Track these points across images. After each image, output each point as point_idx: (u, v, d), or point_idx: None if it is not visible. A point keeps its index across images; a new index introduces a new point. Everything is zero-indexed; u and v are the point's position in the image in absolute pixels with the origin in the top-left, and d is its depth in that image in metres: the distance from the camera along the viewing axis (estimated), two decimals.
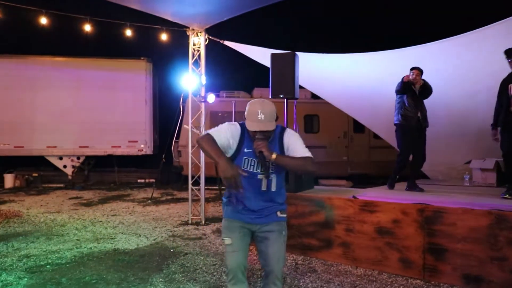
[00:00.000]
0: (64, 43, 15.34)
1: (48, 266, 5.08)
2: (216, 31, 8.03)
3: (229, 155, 2.84)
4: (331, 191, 6.22)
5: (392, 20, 19.38)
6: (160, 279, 4.62)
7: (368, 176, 13.21)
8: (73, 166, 13.81)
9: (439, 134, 7.64)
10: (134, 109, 13.67)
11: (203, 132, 2.79)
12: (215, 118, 12.48)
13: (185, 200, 9.89)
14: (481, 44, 6.46)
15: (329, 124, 13.48)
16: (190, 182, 7.91)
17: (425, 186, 6.44)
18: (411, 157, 6.39)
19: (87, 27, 8.28)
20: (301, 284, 4.52)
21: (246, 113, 2.85)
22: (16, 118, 13.01)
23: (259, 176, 2.89)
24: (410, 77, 6.01)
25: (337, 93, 8.52)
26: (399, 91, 6.12)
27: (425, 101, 6.21)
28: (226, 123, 2.94)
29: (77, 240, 6.42)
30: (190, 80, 7.81)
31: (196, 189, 7.97)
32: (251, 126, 2.78)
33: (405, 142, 6.24)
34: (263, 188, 2.90)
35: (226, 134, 2.84)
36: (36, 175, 13.99)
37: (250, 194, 2.89)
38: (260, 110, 2.76)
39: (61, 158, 13.68)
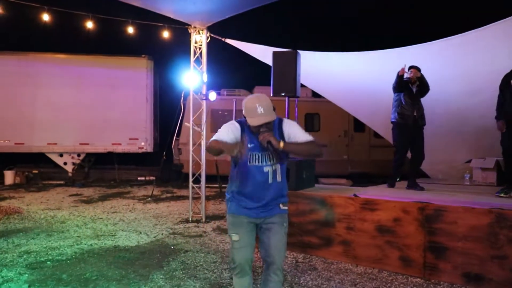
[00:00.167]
0: (65, 40, 15.35)
1: (48, 263, 5.09)
2: (218, 29, 8.03)
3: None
4: (332, 190, 6.24)
5: (392, 19, 19.39)
6: (161, 276, 4.63)
7: (369, 175, 13.22)
8: (74, 163, 13.82)
9: (439, 133, 7.66)
10: (135, 107, 13.67)
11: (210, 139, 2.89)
12: (216, 116, 12.50)
13: (185, 198, 9.90)
14: (481, 43, 6.47)
15: (329, 123, 13.49)
16: (190, 179, 7.91)
17: (426, 185, 6.45)
18: (410, 156, 6.40)
19: (89, 24, 8.29)
20: (301, 281, 4.52)
21: (244, 111, 2.94)
22: (17, 114, 13.02)
23: (265, 169, 2.97)
24: (408, 75, 6.03)
25: (338, 91, 8.52)
26: (395, 88, 6.15)
27: (426, 99, 6.22)
28: (224, 125, 3.03)
29: (78, 236, 6.42)
30: (192, 78, 7.81)
31: (196, 187, 7.98)
32: (254, 122, 2.88)
33: (401, 140, 6.27)
34: (270, 180, 2.99)
35: (229, 135, 2.93)
36: (36, 172, 14.00)
37: (257, 187, 2.99)
38: (258, 104, 2.86)
39: (61, 155, 13.69)
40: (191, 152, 7.90)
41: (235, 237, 3.05)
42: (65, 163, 13.75)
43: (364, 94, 7.76)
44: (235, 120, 3.07)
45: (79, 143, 13.49)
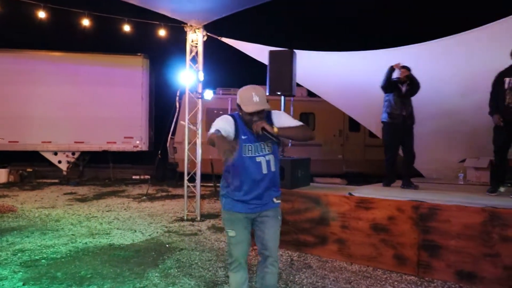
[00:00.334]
0: (61, 38, 15.30)
1: (43, 261, 5.08)
2: (214, 28, 8.03)
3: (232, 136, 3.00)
4: (327, 188, 6.26)
5: (388, 19, 19.45)
6: (156, 274, 4.64)
7: (363, 174, 13.26)
8: (68, 162, 13.76)
9: (433, 133, 7.71)
10: (130, 105, 13.63)
11: (210, 131, 2.94)
12: (211, 115, 12.47)
13: (180, 196, 9.90)
14: (475, 43, 6.51)
15: (324, 122, 13.52)
16: (186, 178, 7.92)
17: (420, 184, 6.48)
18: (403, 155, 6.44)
19: (85, 22, 8.26)
20: (296, 279, 4.54)
21: (239, 100, 3.05)
22: (11, 112, 12.94)
23: (258, 159, 3.06)
24: (397, 75, 6.08)
25: (333, 91, 8.55)
26: (384, 87, 6.19)
27: (419, 99, 6.25)
28: (218, 119, 3.09)
29: (72, 235, 6.41)
30: (187, 77, 7.81)
31: (191, 185, 7.98)
32: (249, 108, 2.99)
33: (391, 140, 6.33)
34: (264, 170, 3.07)
35: (226, 126, 3.00)
36: (31, 170, 13.95)
37: (251, 178, 3.06)
38: (254, 93, 3.01)
39: (56, 154, 13.63)
40: (186, 151, 7.91)
41: (231, 233, 3.13)
42: (59, 162, 13.69)
43: (359, 94, 7.78)
44: (227, 114, 3.16)
45: (73, 142, 13.44)
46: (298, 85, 7.04)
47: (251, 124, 3.00)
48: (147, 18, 8.45)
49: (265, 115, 3.10)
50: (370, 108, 7.93)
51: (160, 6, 7.17)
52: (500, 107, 5.24)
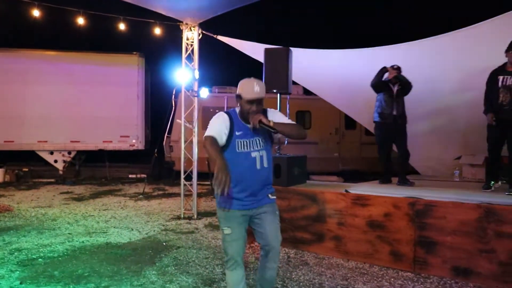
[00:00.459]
0: (56, 37, 15.24)
1: (40, 260, 5.07)
2: (210, 26, 8.03)
3: (224, 140, 3.09)
4: (323, 186, 6.28)
5: (385, 17, 19.48)
6: (153, 272, 4.64)
7: (359, 172, 13.27)
8: (64, 161, 13.72)
9: (429, 130, 7.75)
10: (126, 104, 13.59)
11: (205, 134, 3.04)
12: (207, 114, 12.42)
13: (176, 195, 9.90)
14: (472, 41, 6.54)
15: (321, 120, 13.53)
16: (182, 176, 7.92)
17: (416, 181, 6.51)
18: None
19: (80, 21, 8.22)
20: (293, 276, 4.56)
21: (240, 89, 3.16)
22: (7, 112, 12.88)
23: (253, 154, 3.12)
24: (386, 76, 6.12)
25: (329, 88, 8.57)
26: (373, 86, 6.25)
27: (415, 97, 6.29)
28: (215, 118, 3.18)
29: (69, 234, 6.40)
30: (183, 75, 7.81)
31: (188, 184, 7.98)
32: (250, 95, 3.10)
33: (382, 139, 6.41)
34: (258, 166, 3.13)
35: (221, 128, 3.10)
36: (27, 169, 13.89)
37: (245, 174, 3.10)
38: (255, 83, 3.13)
39: (52, 153, 13.58)
40: (182, 149, 7.90)
41: (227, 230, 3.15)
42: (55, 161, 13.65)
43: (355, 91, 7.79)
44: (223, 111, 3.23)
45: (69, 141, 13.39)
46: (294, 83, 7.05)
47: (248, 115, 3.09)
48: (143, 17, 8.43)
49: (262, 112, 3.16)
50: (366, 106, 7.95)
51: (155, 4, 7.16)
52: (493, 105, 5.27)
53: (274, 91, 6.34)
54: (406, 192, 5.20)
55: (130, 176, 14.38)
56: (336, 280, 4.47)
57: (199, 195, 8.93)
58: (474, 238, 4.34)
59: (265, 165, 3.18)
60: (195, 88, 7.92)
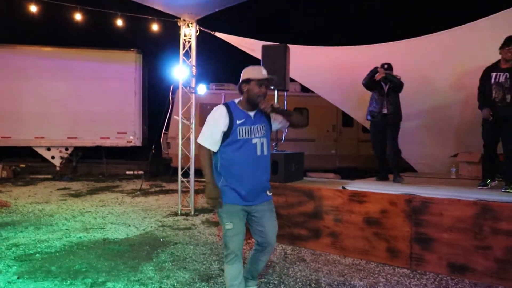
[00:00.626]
0: (53, 33, 15.19)
1: (37, 255, 5.07)
2: (208, 23, 8.02)
3: (221, 137, 3.22)
4: (320, 182, 6.29)
5: (382, 14, 19.48)
6: (150, 268, 4.65)
7: (357, 169, 13.31)
8: (61, 157, 13.69)
9: (426, 128, 7.77)
10: (124, 100, 13.57)
11: (200, 140, 3.25)
12: (205, 111, 12.44)
13: (174, 191, 9.91)
14: (468, 38, 6.57)
15: (318, 117, 13.52)
16: (179, 173, 7.93)
17: (412, 178, 6.55)
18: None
19: (77, 17, 8.21)
20: (290, 272, 4.57)
21: (248, 74, 3.28)
22: (4, 108, 12.84)
23: (254, 141, 3.22)
24: (376, 77, 6.14)
25: (326, 85, 8.57)
26: (365, 85, 6.29)
27: (412, 94, 6.30)
28: (212, 117, 3.27)
29: (66, 229, 6.41)
30: (181, 72, 7.80)
31: (185, 180, 7.99)
32: (260, 76, 3.26)
33: (374, 137, 6.47)
34: (258, 152, 3.23)
35: (220, 129, 3.20)
36: (24, 166, 13.89)
37: (247, 160, 3.20)
38: (262, 68, 3.38)
39: (49, 149, 13.55)
40: (180, 146, 7.91)
41: (229, 225, 3.22)
42: (52, 157, 13.62)
43: (352, 88, 7.79)
44: (221, 104, 3.32)
45: (67, 137, 13.36)
46: (291, 80, 7.06)
47: (258, 98, 3.20)
48: (140, 13, 8.41)
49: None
50: (363, 103, 7.97)
51: (153, 1, 7.15)
52: (487, 101, 5.31)
53: (272, 88, 6.34)
54: (402, 189, 5.21)
55: (127, 172, 14.38)
56: (333, 276, 4.49)
57: (197, 192, 8.93)
58: (470, 235, 4.36)
59: (265, 152, 3.30)
60: (193, 85, 7.92)
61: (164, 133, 11.24)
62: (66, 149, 13.69)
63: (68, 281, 4.22)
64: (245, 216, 3.30)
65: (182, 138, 7.93)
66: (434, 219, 4.56)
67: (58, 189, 10.79)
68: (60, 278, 4.30)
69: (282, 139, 7.18)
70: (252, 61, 8.05)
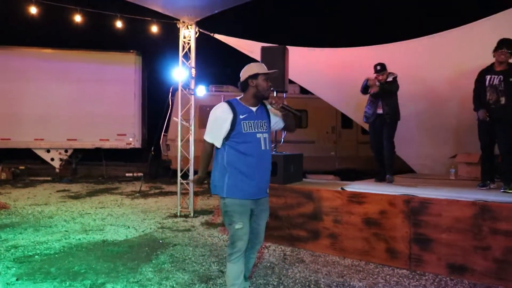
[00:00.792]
0: (52, 35, 15.18)
1: (36, 257, 5.07)
2: (207, 24, 8.03)
3: (226, 132, 3.28)
4: (319, 184, 6.30)
5: (381, 15, 19.50)
6: (150, 269, 4.65)
7: (356, 171, 13.29)
8: (61, 159, 13.72)
9: (425, 129, 7.78)
10: (123, 102, 13.59)
11: (205, 136, 3.37)
12: (204, 113, 12.45)
13: (173, 193, 9.90)
14: (467, 39, 6.59)
15: (317, 119, 13.53)
16: (179, 175, 7.93)
17: (411, 179, 6.55)
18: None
19: (77, 18, 8.21)
20: (289, 274, 4.57)
21: (254, 70, 3.35)
22: (3, 110, 12.87)
23: (258, 135, 3.28)
24: (370, 82, 6.14)
25: (325, 87, 8.59)
26: (361, 92, 6.31)
27: (410, 95, 6.32)
28: (214, 112, 3.33)
29: (66, 231, 6.40)
30: (180, 73, 7.81)
31: (185, 182, 7.99)
32: (265, 70, 3.38)
33: (371, 137, 6.54)
34: (262, 147, 3.30)
35: (224, 126, 3.26)
36: (23, 167, 13.89)
37: (253, 153, 3.27)
38: (263, 65, 3.50)
39: (48, 151, 13.58)
40: (179, 148, 7.91)
41: (239, 225, 3.26)
42: (52, 159, 13.64)
43: (352, 90, 7.79)
44: (223, 102, 3.38)
45: (66, 139, 13.38)
46: (290, 81, 7.07)
47: (266, 92, 3.33)
48: (140, 15, 8.41)
49: (263, 106, 3.48)
50: (362, 105, 7.99)
51: (152, 2, 7.17)
52: (482, 104, 5.34)
53: (271, 89, 6.35)
54: (401, 190, 5.22)
55: (127, 174, 14.38)
56: (332, 277, 4.49)
57: (196, 194, 8.94)
58: (469, 235, 4.36)
59: (268, 147, 3.39)
60: (192, 87, 7.93)
61: (163, 135, 11.24)
62: (66, 151, 13.71)
63: (67, 283, 4.21)
64: (250, 213, 3.37)
65: (182, 140, 7.93)
66: (433, 219, 4.57)
67: (57, 191, 10.79)
68: (59, 279, 4.30)
69: (281, 140, 7.18)
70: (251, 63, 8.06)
